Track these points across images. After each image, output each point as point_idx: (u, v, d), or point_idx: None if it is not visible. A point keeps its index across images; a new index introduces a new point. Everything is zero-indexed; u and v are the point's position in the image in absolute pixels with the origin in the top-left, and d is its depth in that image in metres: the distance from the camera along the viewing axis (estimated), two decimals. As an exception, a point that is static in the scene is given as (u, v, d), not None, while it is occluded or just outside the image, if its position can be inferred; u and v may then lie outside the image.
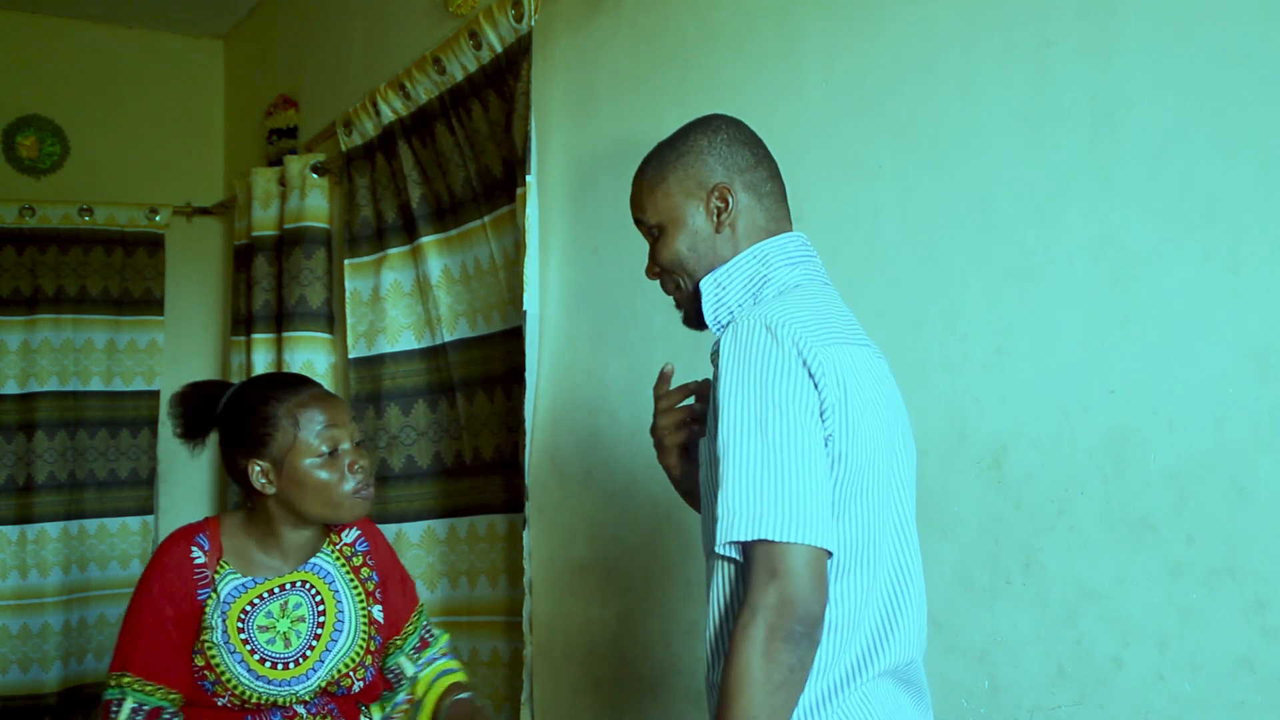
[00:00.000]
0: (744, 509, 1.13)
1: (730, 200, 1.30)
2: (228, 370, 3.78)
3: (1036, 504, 1.47)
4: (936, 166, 1.62)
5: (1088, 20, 1.43)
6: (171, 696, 1.58)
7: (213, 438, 1.70)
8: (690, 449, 1.43)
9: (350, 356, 3.03)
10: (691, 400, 1.42)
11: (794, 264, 1.30)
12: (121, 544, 3.92)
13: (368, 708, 1.72)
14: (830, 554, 1.15)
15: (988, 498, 1.53)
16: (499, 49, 2.48)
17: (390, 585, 1.75)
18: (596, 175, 2.32)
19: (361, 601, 1.69)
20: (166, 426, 2.21)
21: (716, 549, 1.16)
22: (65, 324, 3.87)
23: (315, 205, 3.35)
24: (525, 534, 2.40)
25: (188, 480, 4.04)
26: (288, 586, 1.65)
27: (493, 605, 2.63)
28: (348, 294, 3.07)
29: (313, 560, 1.68)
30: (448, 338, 2.77)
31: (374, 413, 2.93)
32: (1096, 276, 1.42)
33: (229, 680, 1.57)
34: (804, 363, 1.16)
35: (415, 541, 2.82)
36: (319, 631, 1.64)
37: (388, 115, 2.90)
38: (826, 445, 1.17)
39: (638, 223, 1.37)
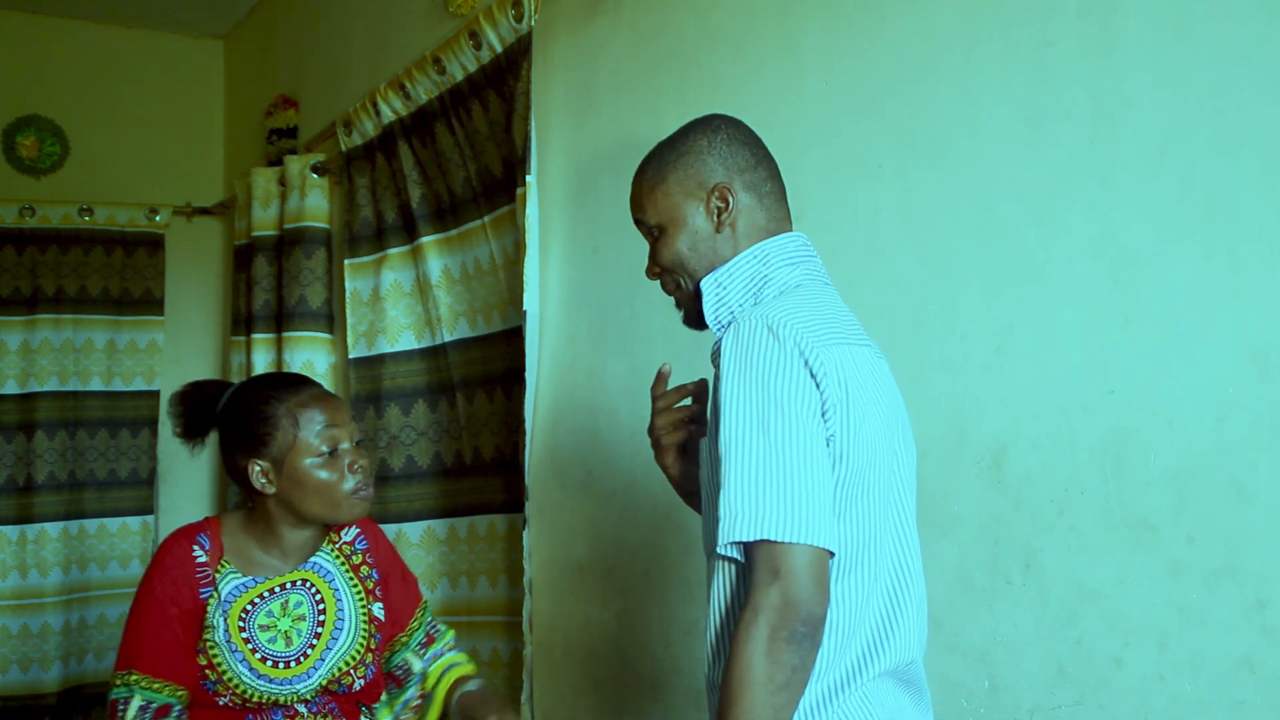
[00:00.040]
0: (746, 509, 1.13)
1: (730, 200, 1.30)
2: (228, 370, 3.78)
3: (1036, 504, 1.47)
4: (936, 166, 1.62)
5: (1088, 20, 1.43)
6: (179, 694, 1.58)
7: (213, 438, 1.70)
8: (688, 449, 1.43)
9: (350, 356, 3.03)
10: (689, 401, 1.42)
11: (794, 264, 1.30)
12: (121, 544, 3.92)
13: (368, 708, 1.72)
14: (832, 554, 1.15)
15: (988, 498, 1.53)
16: (499, 49, 2.48)
17: (391, 582, 1.76)
18: (596, 175, 2.32)
19: (361, 600, 1.70)
20: (166, 426, 2.21)
21: (718, 549, 1.16)
22: (65, 324, 3.87)
23: (315, 205, 3.35)
24: (525, 534, 2.40)
25: (188, 480, 4.04)
26: (288, 585, 1.65)
27: (493, 605, 2.63)
28: (348, 294, 3.06)
29: (313, 559, 1.69)
30: (448, 338, 2.77)
31: (374, 413, 2.93)
32: (1096, 276, 1.42)
33: (231, 679, 1.57)
34: (805, 363, 1.16)
35: (415, 541, 2.82)
36: (319, 630, 1.64)
37: (388, 115, 2.90)
38: (828, 445, 1.17)
39: (638, 223, 1.37)
